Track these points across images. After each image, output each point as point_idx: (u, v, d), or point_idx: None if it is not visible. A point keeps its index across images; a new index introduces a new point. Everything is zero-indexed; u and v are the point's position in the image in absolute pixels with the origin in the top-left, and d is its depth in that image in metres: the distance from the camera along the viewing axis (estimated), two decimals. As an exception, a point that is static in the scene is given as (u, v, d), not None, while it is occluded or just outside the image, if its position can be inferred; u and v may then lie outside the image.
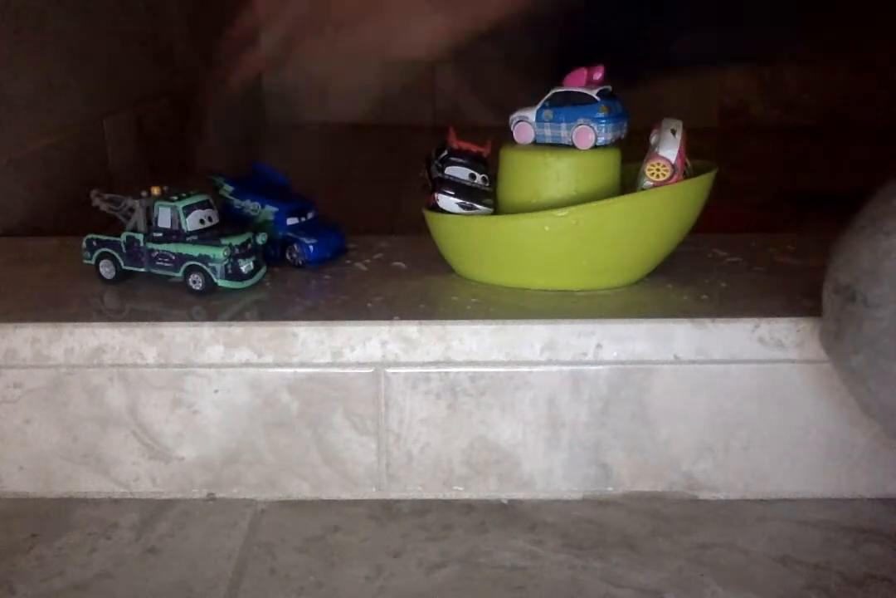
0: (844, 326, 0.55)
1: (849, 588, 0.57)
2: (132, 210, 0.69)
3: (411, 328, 0.63)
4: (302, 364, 0.63)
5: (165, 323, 0.63)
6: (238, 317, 0.64)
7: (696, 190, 0.66)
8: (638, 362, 0.63)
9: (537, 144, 0.69)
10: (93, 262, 0.70)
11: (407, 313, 0.64)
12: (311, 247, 0.72)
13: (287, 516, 0.65)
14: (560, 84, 0.67)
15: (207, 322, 0.63)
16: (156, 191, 0.69)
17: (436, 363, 0.63)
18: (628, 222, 0.65)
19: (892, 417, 0.55)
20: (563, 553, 0.60)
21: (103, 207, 0.70)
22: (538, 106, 0.67)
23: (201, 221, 0.68)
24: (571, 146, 0.67)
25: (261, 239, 0.69)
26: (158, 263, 0.68)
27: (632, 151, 0.69)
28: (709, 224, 0.69)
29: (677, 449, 0.65)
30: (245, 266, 0.67)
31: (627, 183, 0.68)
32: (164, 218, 0.68)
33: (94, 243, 0.70)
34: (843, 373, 0.57)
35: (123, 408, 0.64)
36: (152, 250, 0.68)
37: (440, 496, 0.66)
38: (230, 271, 0.67)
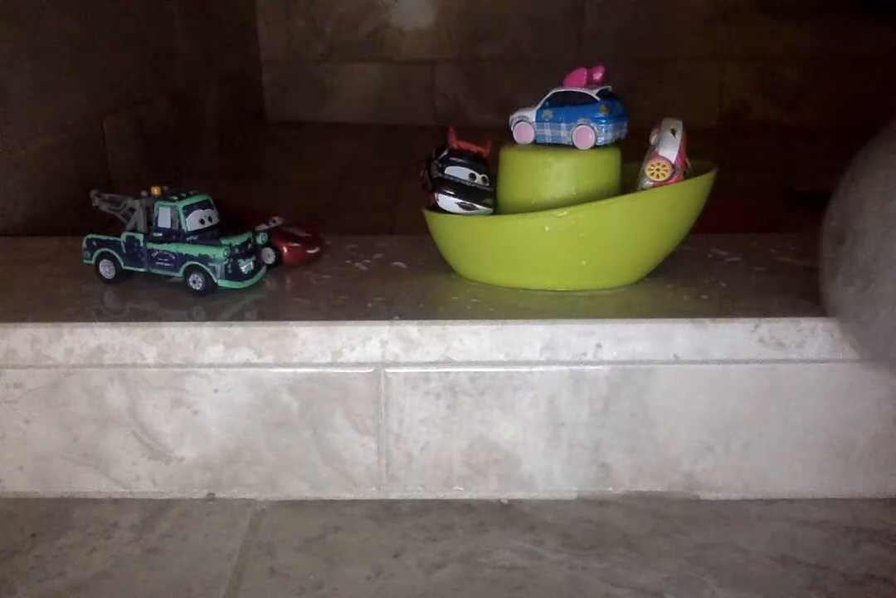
0: (837, 264, 0.60)
1: (849, 588, 0.57)
2: (132, 210, 0.69)
3: (411, 328, 0.62)
4: (302, 364, 0.63)
5: (165, 323, 0.63)
6: (238, 317, 0.64)
7: (696, 190, 0.66)
8: (638, 362, 0.63)
9: (537, 144, 0.69)
10: (93, 262, 0.70)
11: (407, 313, 0.64)
12: None
13: (287, 516, 0.65)
14: (560, 84, 0.67)
15: (207, 322, 0.63)
16: (156, 191, 0.69)
17: (436, 363, 0.63)
18: (628, 222, 0.65)
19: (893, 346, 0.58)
20: (562, 553, 0.60)
21: (103, 207, 0.70)
22: (538, 106, 0.67)
23: (201, 221, 0.68)
24: (571, 146, 0.67)
25: (261, 239, 0.69)
26: (158, 263, 0.68)
27: (632, 151, 0.69)
28: (709, 224, 0.69)
29: (677, 449, 0.65)
30: (245, 266, 0.67)
31: (627, 183, 0.68)
32: (164, 218, 0.68)
33: (94, 243, 0.70)
34: (841, 317, 0.61)
35: (123, 408, 0.64)
36: (152, 250, 0.68)
37: (440, 496, 0.66)
38: (230, 271, 0.67)
